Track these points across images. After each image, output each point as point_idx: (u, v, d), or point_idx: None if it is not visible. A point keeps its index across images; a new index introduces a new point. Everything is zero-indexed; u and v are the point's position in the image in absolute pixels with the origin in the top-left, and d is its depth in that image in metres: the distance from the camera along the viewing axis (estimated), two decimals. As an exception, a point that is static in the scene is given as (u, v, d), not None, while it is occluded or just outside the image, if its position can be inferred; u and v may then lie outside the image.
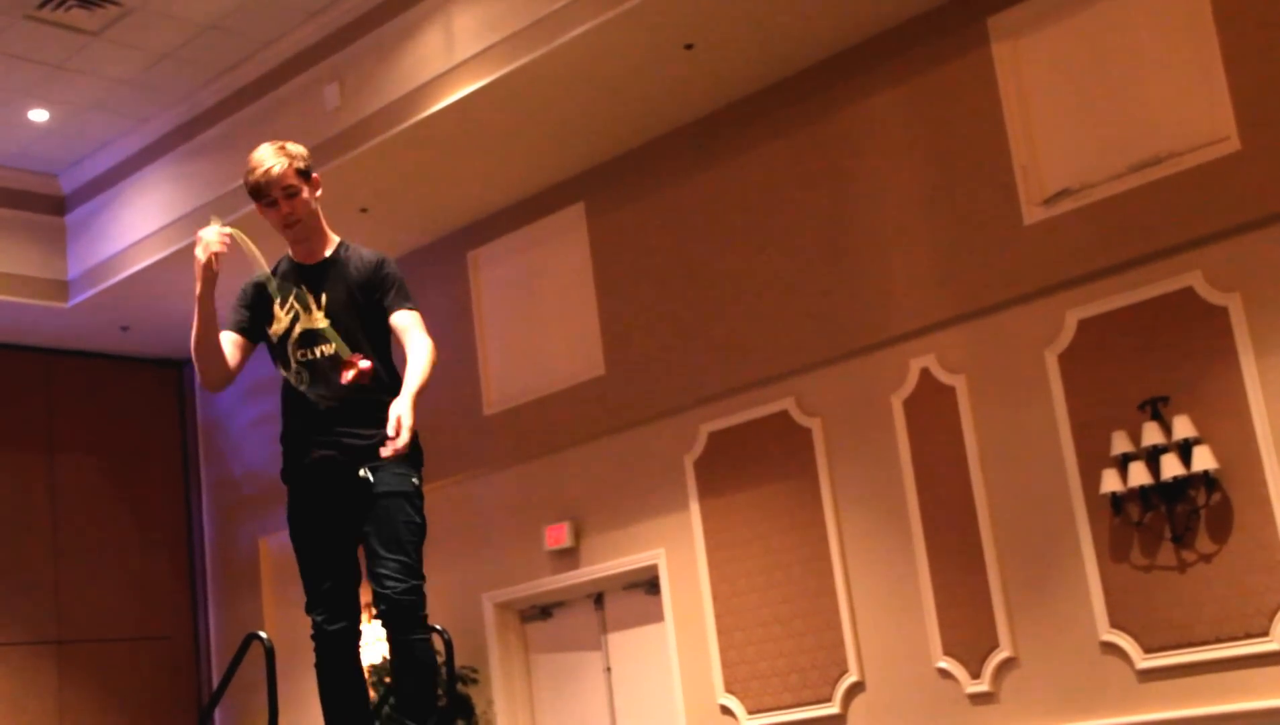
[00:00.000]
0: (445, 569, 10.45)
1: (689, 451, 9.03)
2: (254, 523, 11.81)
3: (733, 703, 8.64)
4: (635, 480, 9.30)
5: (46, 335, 11.57)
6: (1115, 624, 7.24)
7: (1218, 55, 7.12)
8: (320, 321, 4.29)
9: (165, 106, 10.09)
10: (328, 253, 4.40)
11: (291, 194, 4.30)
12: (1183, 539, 7.06)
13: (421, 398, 4.12)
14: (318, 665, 4.31)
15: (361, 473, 4.19)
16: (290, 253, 4.47)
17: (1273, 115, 6.96)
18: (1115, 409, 7.31)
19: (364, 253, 4.39)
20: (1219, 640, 6.91)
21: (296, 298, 4.34)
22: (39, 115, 10.04)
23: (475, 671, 9.94)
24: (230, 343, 4.42)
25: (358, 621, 4.32)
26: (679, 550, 9.02)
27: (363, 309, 4.29)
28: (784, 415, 8.64)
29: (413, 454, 4.19)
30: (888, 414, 8.19)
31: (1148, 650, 7.13)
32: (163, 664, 11.98)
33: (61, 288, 10.98)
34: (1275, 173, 6.93)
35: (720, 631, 8.74)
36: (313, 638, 4.29)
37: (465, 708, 9.79)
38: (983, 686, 7.67)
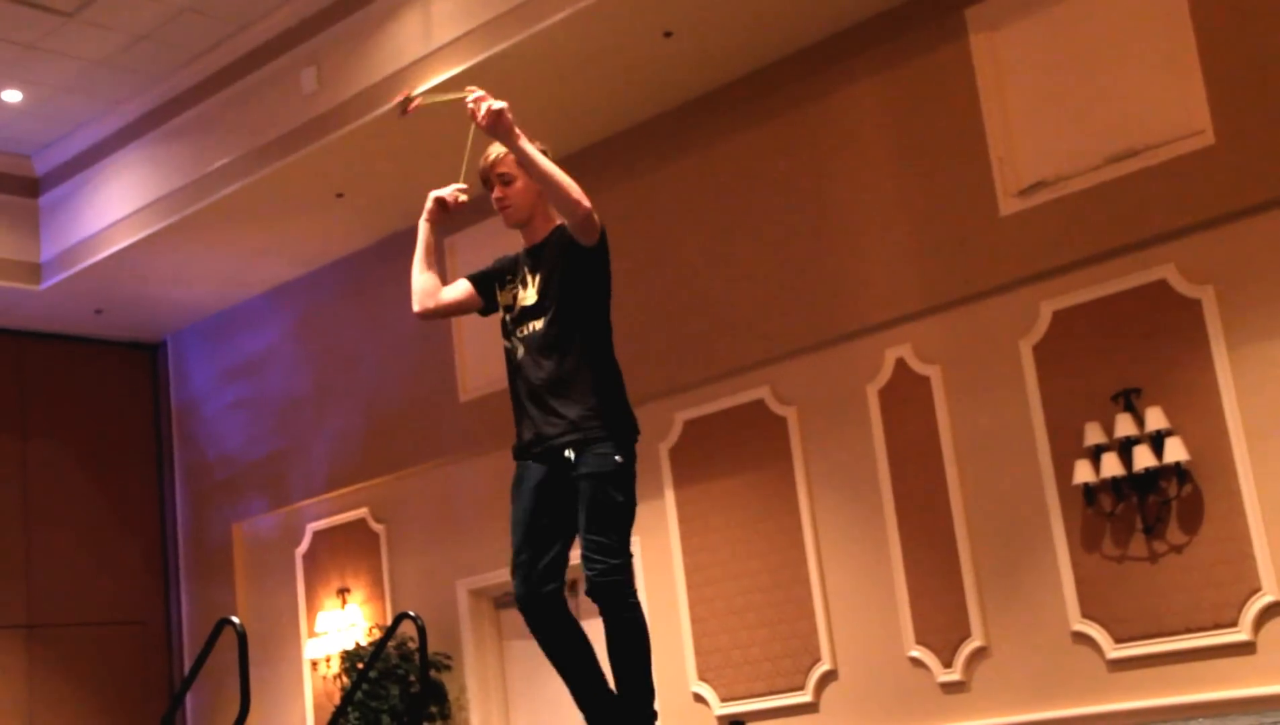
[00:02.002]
0: (419, 555, 10.45)
1: (664, 439, 9.04)
2: (227, 507, 11.78)
3: (706, 690, 8.67)
4: (610, 468, 9.29)
5: (19, 318, 11.50)
6: (1086, 614, 7.29)
7: (1193, 49, 7.15)
8: (531, 297, 4.51)
9: (141, 89, 10.03)
10: (546, 234, 4.59)
11: (506, 181, 4.55)
12: (1154, 530, 7.11)
13: (525, 159, 4.36)
14: (531, 629, 4.50)
15: (566, 453, 4.37)
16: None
17: (1247, 109, 7.00)
18: (1088, 400, 7.35)
19: (568, 228, 4.52)
20: (1189, 630, 6.96)
21: (520, 277, 4.58)
22: (12, 96, 9.97)
23: (448, 658, 9.94)
24: (457, 286, 4.71)
25: (559, 588, 4.47)
26: (653, 538, 9.03)
27: (572, 282, 4.46)
28: (759, 404, 8.66)
29: (617, 429, 4.41)
30: (863, 403, 8.22)
31: (1118, 640, 7.17)
32: (135, 649, 11.94)
33: (34, 270, 10.92)
34: (1249, 166, 6.97)
35: (694, 619, 8.76)
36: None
37: (438, 694, 9.79)
38: (954, 676, 7.71)
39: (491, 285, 4.67)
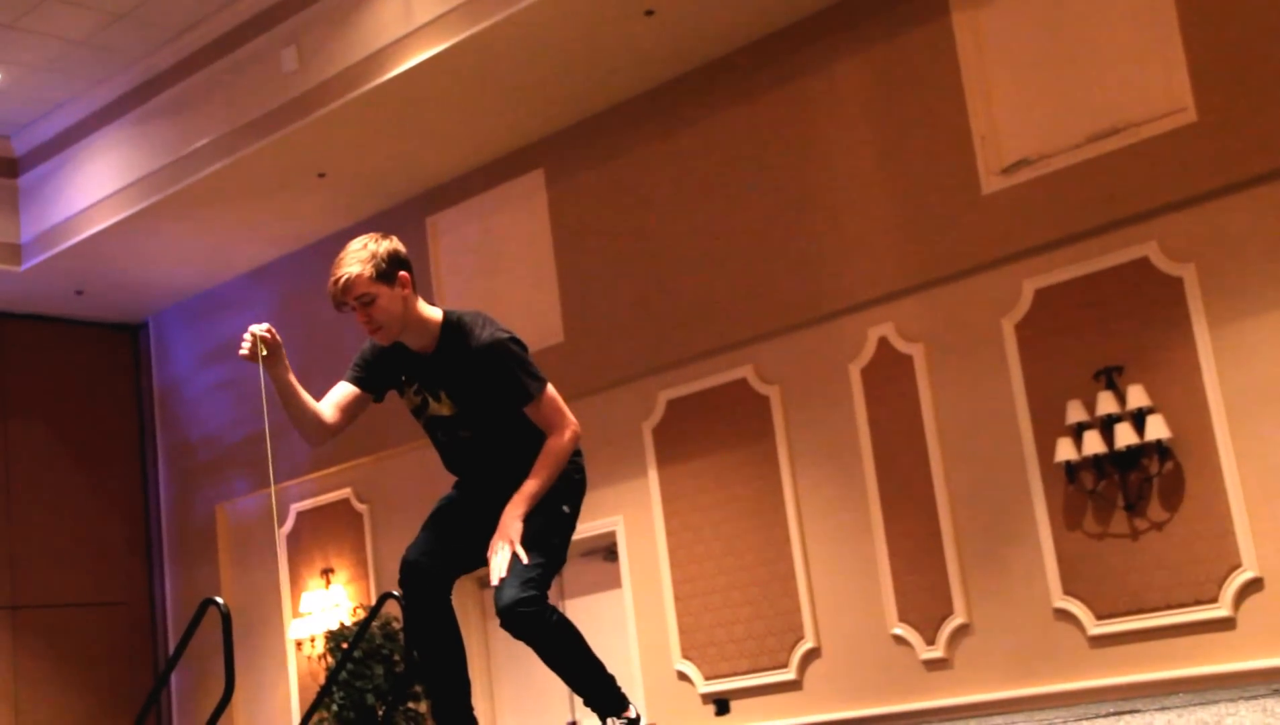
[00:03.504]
0: (403, 535, 10.42)
1: (647, 419, 9.05)
2: (211, 488, 11.76)
3: (689, 669, 8.69)
4: (594, 447, 9.17)
5: (-1, 299, 11.47)
6: (1068, 591, 7.32)
7: (1175, 27, 7.16)
8: (447, 410, 4.23)
9: (120, 68, 9.97)
10: (435, 344, 4.20)
11: (367, 302, 4.12)
12: (1135, 507, 7.14)
13: (535, 502, 4.12)
14: (406, 601, 4.33)
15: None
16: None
17: (1229, 86, 7.01)
18: (1070, 378, 7.37)
19: (470, 337, 4.16)
20: (1169, 607, 6.99)
21: (425, 384, 4.24)
22: (-9, 76, 9.92)
23: (433, 637, 9.93)
24: (341, 395, 4.34)
25: (450, 574, 4.31)
26: (637, 517, 9.05)
27: (487, 392, 4.17)
28: (742, 383, 8.67)
29: (566, 485, 4.23)
30: (845, 382, 8.23)
31: (1100, 617, 7.21)
32: (119, 629, 11.93)
33: (14, 251, 10.86)
34: (1231, 144, 6.98)
35: (677, 598, 8.78)
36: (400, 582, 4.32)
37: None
38: (937, 653, 7.74)
39: (381, 385, 4.34)
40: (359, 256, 4.14)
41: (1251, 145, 6.93)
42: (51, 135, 10.66)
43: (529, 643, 4.09)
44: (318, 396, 4.33)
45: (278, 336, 4.14)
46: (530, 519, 4.13)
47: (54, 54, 9.69)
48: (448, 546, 4.29)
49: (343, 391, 4.34)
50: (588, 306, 9.38)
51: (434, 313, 4.22)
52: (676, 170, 9.03)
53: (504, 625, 4.05)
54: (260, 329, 4.12)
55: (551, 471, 4.18)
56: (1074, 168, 7.46)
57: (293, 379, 4.21)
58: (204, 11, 9.39)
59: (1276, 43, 6.93)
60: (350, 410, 4.33)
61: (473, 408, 4.20)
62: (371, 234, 4.25)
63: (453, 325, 4.20)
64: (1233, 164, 6.98)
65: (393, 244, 4.20)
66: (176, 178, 9.81)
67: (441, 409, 4.23)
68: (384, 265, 4.13)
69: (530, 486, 4.13)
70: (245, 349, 4.10)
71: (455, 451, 4.34)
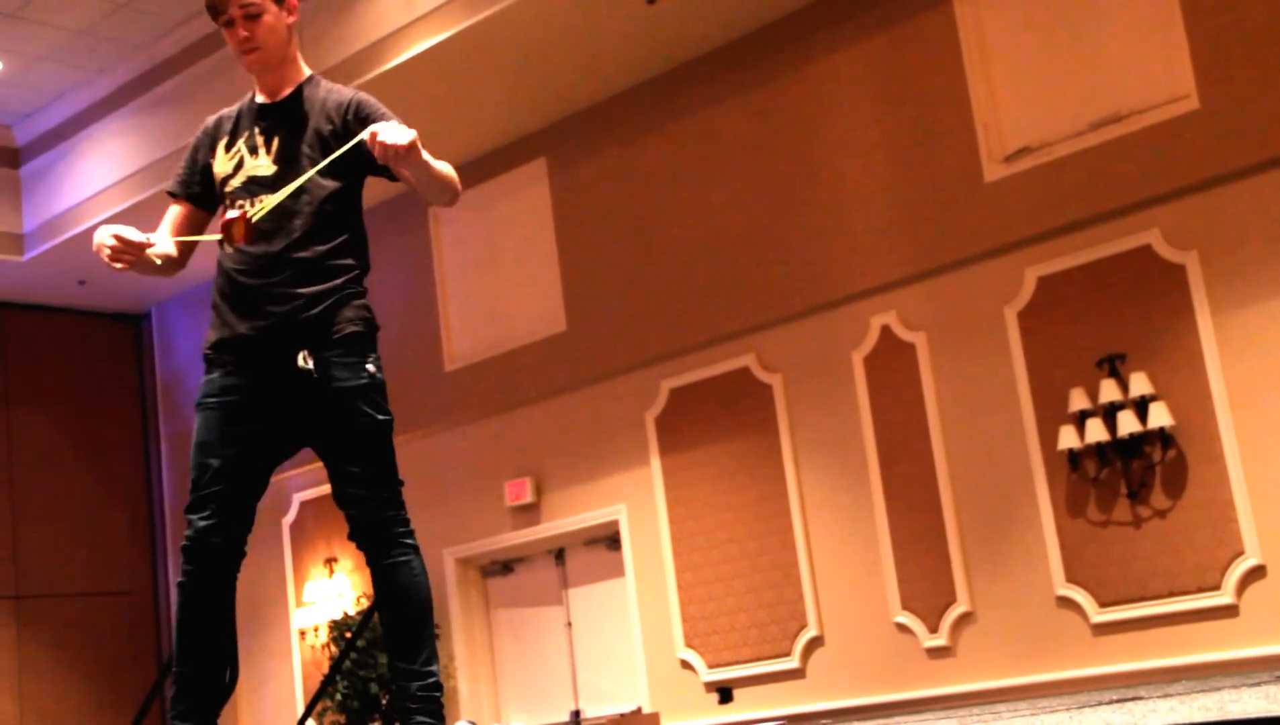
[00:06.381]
0: (406, 524, 10.45)
1: (650, 407, 9.05)
2: (214, 478, 11.75)
3: (693, 657, 8.70)
4: (596, 436, 9.31)
5: (2, 289, 11.45)
6: (1071, 579, 7.32)
7: (1178, 14, 7.15)
8: (266, 167, 3.65)
9: (122, 58, 9.97)
10: (290, 91, 3.71)
11: (252, 15, 3.60)
12: (1138, 495, 7.14)
13: (426, 170, 3.51)
14: (185, 580, 3.67)
15: (301, 361, 3.54)
16: (255, 88, 3.79)
17: (1231, 74, 6.99)
18: (1073, 366, 7.37)
19: (339, 90, 3.71)
20: (1172, 594, 7.00)
21: (246, 139, 3.69)
22: (-7, 66, 9.91)
23: (436, 627, 9.94)
24: (174, 221, 3.87)
25: (244, 540, 3.75)
26: (640, 506, 9.05)
27: (325, 152, 3.59)
28: (745, 372, 8.67)
29: (361, 338, 3.60)
30: (848, 371, 8.23)
31: (1102, 604, 7.21)
32: (122, 619, 11.95)
33: (17, 241, 10.86)
34: (1233, 131, 6.97)
35: (680, 586, 8.79)
36: (185, 547, 3.69)
37: (426, 662, 9.81)
38: (940, 641, 7.75)
39: (207, 178, 3.81)
40: None
41: (1254, 132, 6.93)
42: (54, 125, 10.66)
43: (376, 561, 3.55)
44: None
45: (131, 238, 3.67)
46: (359, 411, 3.54)
47: (56, 44, 9.69)
48: (242, 503, 3.72)
49: (174, 217, 3.92)
50: (590, 295, 9.38)
51: (305, 67, 3.79)
52: (679, 158, 9.02)
53: (354, 533, 3.58)
54: (110, 241, 3.65)
55: (445, 174, 3.56)
56: (1076, 155, 7.45)
57: (168, 251, 3.81)
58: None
59: (1278, 29, 6.92)
60: (190, 238, 3.89)
61: (298, 167, 3.60)
62: None
63: (318, 80, 3.76)
64: (1235, 151, 6.97)
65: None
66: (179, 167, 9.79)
67: (259, 167, 3.66)
68: None
69: (433, 161, 3.49)
70: (118, 264, 3.67)
71: (248, 250, 3.66)
